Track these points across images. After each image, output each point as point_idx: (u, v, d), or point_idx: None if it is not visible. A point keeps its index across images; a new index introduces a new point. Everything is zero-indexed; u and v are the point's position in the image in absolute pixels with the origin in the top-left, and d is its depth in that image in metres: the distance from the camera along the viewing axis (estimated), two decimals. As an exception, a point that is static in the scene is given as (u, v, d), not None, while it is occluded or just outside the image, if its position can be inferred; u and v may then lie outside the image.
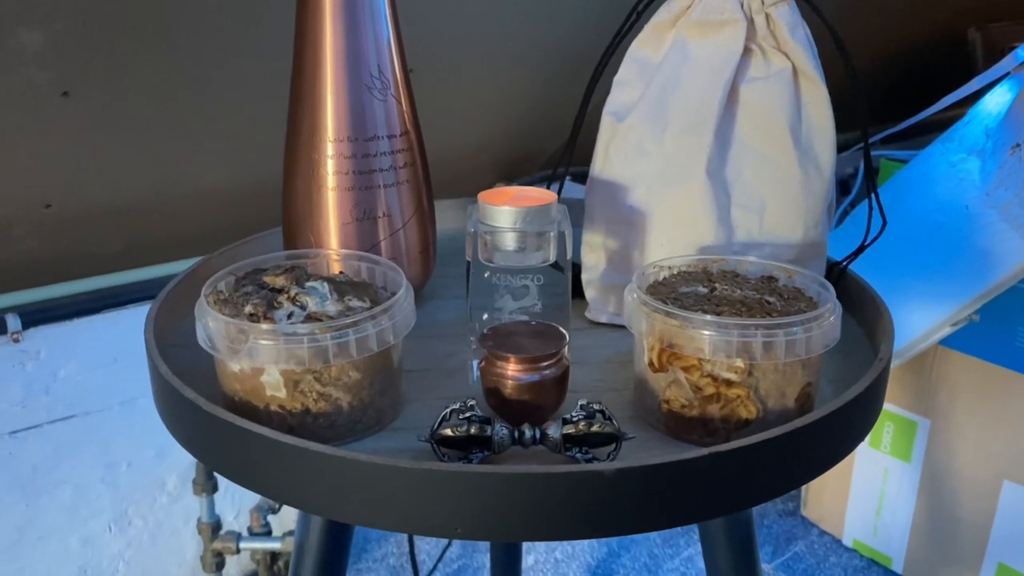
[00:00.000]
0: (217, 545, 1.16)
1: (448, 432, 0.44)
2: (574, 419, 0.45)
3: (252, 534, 1.20)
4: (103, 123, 0.93)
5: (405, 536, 1.34)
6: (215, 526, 1.17)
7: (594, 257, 0.61)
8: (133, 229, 1.07)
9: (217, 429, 0.44)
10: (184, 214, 1.09)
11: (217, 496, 1.18)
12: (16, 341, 1.02)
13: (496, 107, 1.30)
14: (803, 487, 1.41)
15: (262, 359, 0.44)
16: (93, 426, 1.11)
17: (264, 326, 0.44)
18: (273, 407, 0.45)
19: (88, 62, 0.86)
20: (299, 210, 0.60)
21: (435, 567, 1.29)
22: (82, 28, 0.83)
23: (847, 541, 1.35)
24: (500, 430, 0.45)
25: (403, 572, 1.30)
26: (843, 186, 1.63)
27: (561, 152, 0.66)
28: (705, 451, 0.41)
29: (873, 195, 0.60)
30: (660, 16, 0.59)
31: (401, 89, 0.59)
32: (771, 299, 0.48)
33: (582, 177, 0.64)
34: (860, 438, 0.50)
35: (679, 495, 0.42)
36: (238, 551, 1.17)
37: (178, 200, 1.07)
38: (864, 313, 0.60)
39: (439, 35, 1.11)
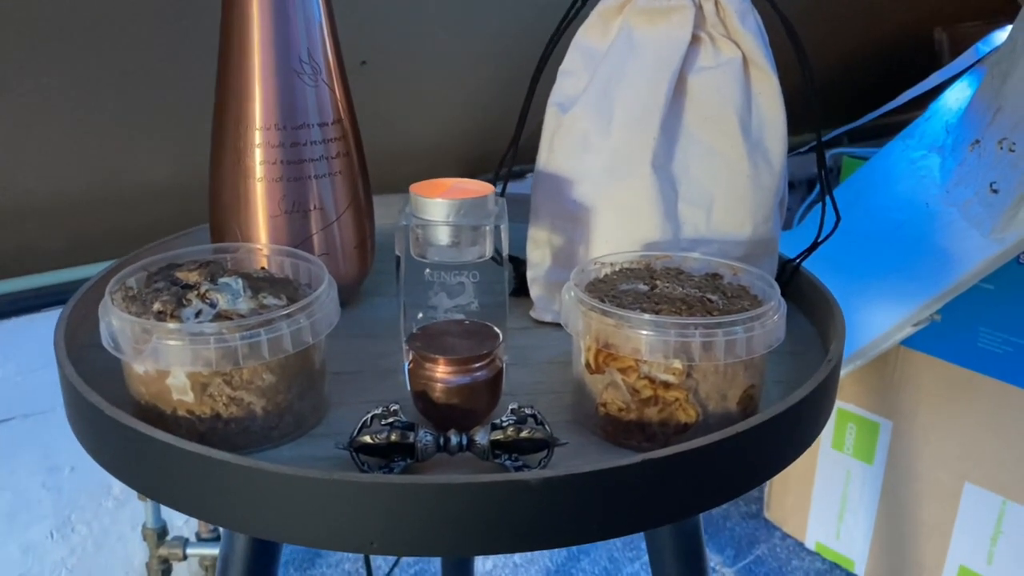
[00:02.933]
0: (163, 551, 1.13)
1: (368, 439, 0.41)
2: (504, 424, 0.42)
3: (200, 540, 1.16)
4: (39, 115, 0.89)
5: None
6: (161, 532, 1.13)
7: (539, 254, 0.59)
8: (77, 225, 1.04)
9: (120, 436, 0.42)
10: (127, 210, 1.05)
11: (164, 501, 1.15)
12: (-51, 340, 0.98)
13: (459, 102, 1.28)
14: (766, 489, 1.40)
15: (167, 360, 0.41)
16: (34, 429, 1.07)
17: (169, 325, 0.41)
18: (181, 412, 0.42)
19: (20, 52, 0.83)
20: (225, 202, 0.57)
21: (391, 571, 1.27)
22: (12, 17, 0.79)
23: (810, 544, 1.33)
24: (424, 437, 0.42)
25: (359, 577, 1.28)
26: (808, 184, 1.62)
27: (506, 151, 0.64)
28: (638, 458, 0.39)
29: (827, 192, 0.58)
30: (606, 3, 0.57)
31: (334, 75, 0.56)
32: (713, 297, 0.46)
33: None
34: (808, 442, 0.47)
35: (612, 505, 0.39)
36: (185, 557, 1.13)
37: (122, 195, 1.04)
38: (817, 312, 0.58)
39: (399, 27, 1.09)
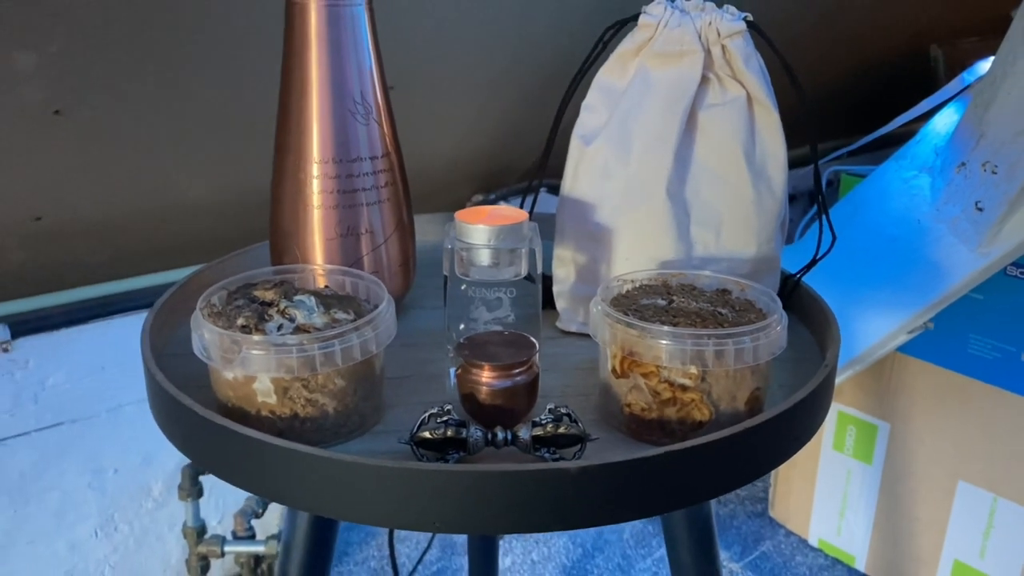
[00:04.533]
0: (202, 549, 1.19)
1: (426, 435, 0.48)
2: (543, 422, 0.49)
3: (236, 538, 1.22)
4: (93, 139, 0.96)
5: (386, 539, 1.37)
6: (200, 530, 1.19)
7: (564, 271, 0.65)
8: (121, 241, 1.10)
9: (212, 433, 0.48)
10: (170, 226, 1.12)
11: (202, 501, 1.21)
12: (6, 351, 1.04)
13: (473, 124, 1.34)
14: (771, 489, 1.45)
15: (254, 368, 0.48)
16: (80, 433, 1.13)
17: (256, 337, 0.48)
18: (264, 412, 0.49)
19: (80, 82, 0.89)
20: (286, 227, 0.63)
21: (414, 569, 1.33)
22: (75, 50, 0.86)
23: (812, 541, 1.39)
24: (474, 432, 0.48)
25: (384, 574, 1.34)
26: (810, 197, 1.68)
27: (534, 168, 0.70)
28: (661, 450, 0.45)
29: (824, 212, 0.65)
30: (624, 46, 0.64)
31: (382, 113, 0.63)
32: (723, 311, 0.52)
33: (557, 190, 0.68)
34: (807, 438, 0.54)
35: (638, 490, 0.46)
36: (223, 555, 1.19)
37: (165, 213, 1.10)
38: (815, 323, 0.64)
39: (419, 54, 1.15)
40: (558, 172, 0.67)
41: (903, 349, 1.17)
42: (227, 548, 1.19)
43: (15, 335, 1.05)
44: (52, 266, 1.07)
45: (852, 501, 1.31)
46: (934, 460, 1.20)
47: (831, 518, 1.35)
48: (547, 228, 0.69)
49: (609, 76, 0.64)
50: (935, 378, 1.16)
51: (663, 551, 1.38)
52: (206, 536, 1.20)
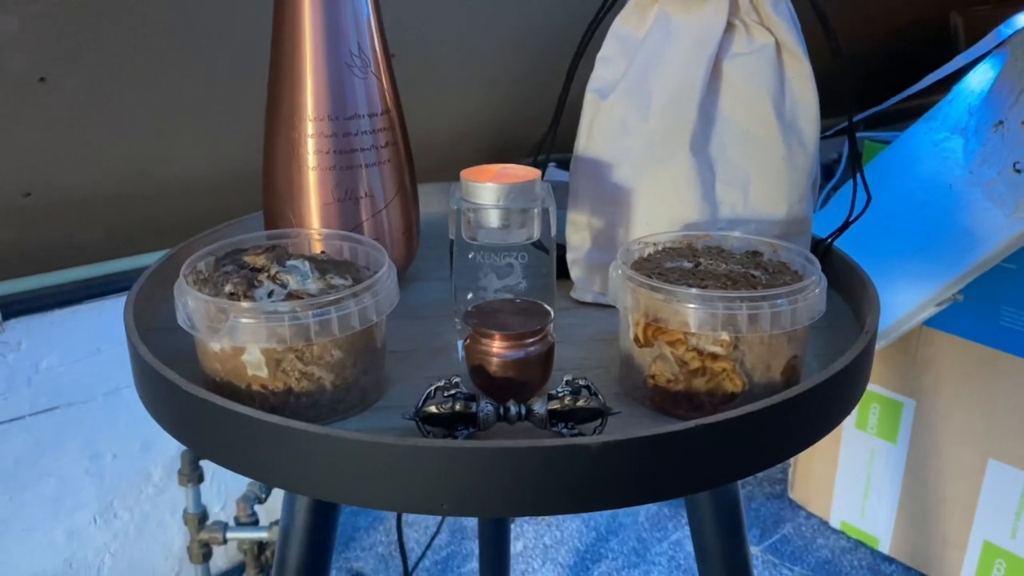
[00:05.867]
0: (204, 536, 1.16)
1: (433, 409, 0.44)
2: (559, 395, 0.45)
3: (239, 524, 1.19)
4: (82, 109, 0.92)
5: (394, 524, 1.34)
6: (201, 517, 1.16)
7: (579, 237, 0.61)
8: (114, 218, 1.06)
9: (198, 410, 0.44)
10: (166, 202, 1.08)
11: (203, 486, 1.18)
12: (-4, 332, 1.01)
13: (481, 93, 1.30)
14: (790, 470, 1.41)
15: (243, 338, 0.43)
16: (77, 417, 1.10)
17: (244, 304, 0.44)
18: (255, 387, 0.45)
19: (65, 47, 0.85)
20: (280, 191, 0.59)
21: (424, 554, 1.29)
22: (59, 12, 0.82)
23: (834, 523, 1.35)
24: (485, 406, 0.44)
25: (392, 560, 1.30)
26: (827, 171, 1.64)
27: (545, 135, 0.66)
28: (690, 424, 0.41)
29: (858, 170, 0.60)
30: (643, -9, 0.59)
31: (382, 67, 0.58)
32: (756, 273, 0.48)
33: (567, 164, 0.64)
34: (846, 412, 0.49)
35: (664, 468, 0.42)
36: (225, 541, 1.16)
37: (160, 188, 1.07)
38: (850, 288, 0.60)
39: (422, 20, 1.11)
40: (569, 144, 0.62)
41: (930, 322, 1.13)
42: (229, 535, 1.16)
43: (6, 316, 1.01)
44: (44, 244, 1.03)
45: (876, 482, 1.27)
46: (963, 438, 1.15)
47: (854, 499, 1.31)
48: (560, 197, 0.65)
49: (626, 24, 0.60)
50: (964, 352, 1.12)
51: (679, 534, 1.35)
52: (208, 522, 1.17)
